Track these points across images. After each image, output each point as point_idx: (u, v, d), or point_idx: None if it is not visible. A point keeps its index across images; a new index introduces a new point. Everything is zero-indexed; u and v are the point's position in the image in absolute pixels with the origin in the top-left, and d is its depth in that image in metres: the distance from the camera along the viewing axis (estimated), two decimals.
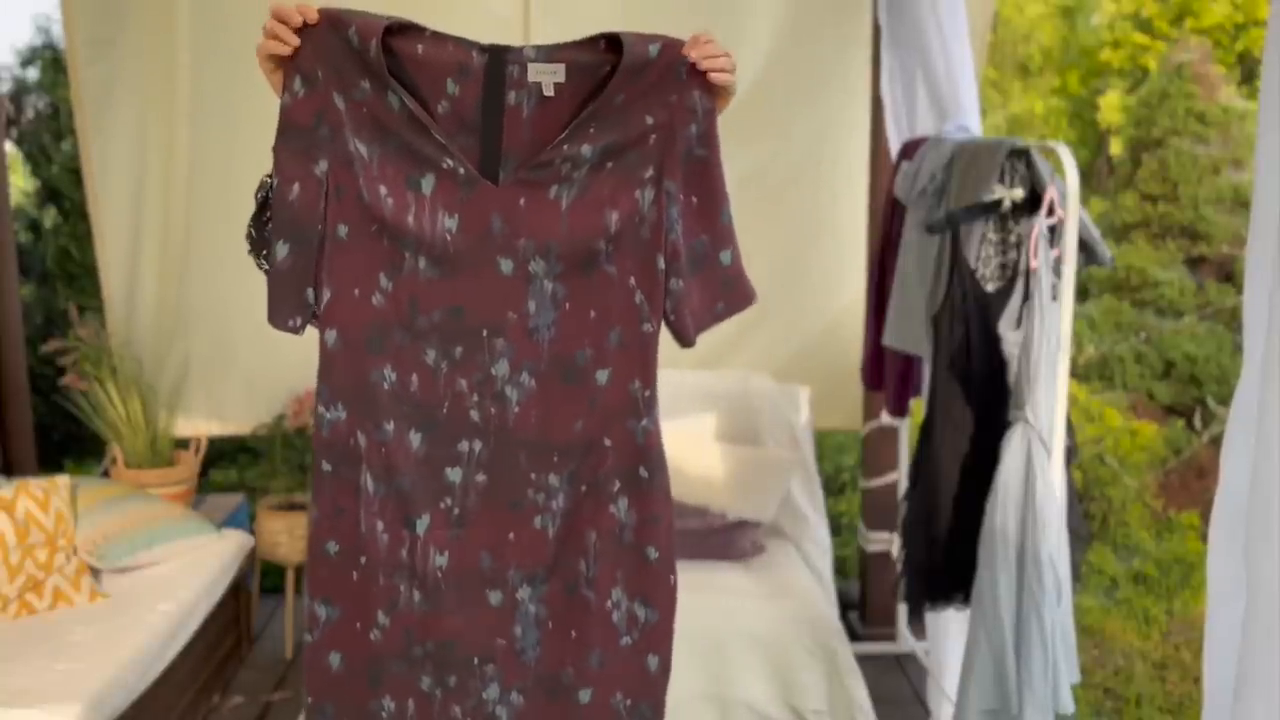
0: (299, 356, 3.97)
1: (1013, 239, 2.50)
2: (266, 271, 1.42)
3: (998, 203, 2.41)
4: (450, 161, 1.36)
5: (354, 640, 1.44)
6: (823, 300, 4.05)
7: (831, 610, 3.20)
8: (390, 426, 1.40)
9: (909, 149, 3.01)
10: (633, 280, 1.41)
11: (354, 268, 1.38)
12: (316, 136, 1.36)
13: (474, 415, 1.41)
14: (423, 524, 1.42)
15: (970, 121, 2.90)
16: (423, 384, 1.40)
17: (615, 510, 1.45)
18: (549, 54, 1.37)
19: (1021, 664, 2.23)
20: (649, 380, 1.45)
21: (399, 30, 1.35)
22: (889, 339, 2.91)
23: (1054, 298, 2.26)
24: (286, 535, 3.65)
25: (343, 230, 1.37)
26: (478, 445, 1.42)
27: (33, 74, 5.90)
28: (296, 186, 1.36)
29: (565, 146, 1.35)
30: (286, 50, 1.34)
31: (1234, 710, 1.28)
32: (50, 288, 5.52)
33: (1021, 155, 2.43)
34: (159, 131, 3.82)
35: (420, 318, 1.39)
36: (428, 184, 1.37)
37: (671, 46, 1.39)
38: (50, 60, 5.77)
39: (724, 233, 1.45)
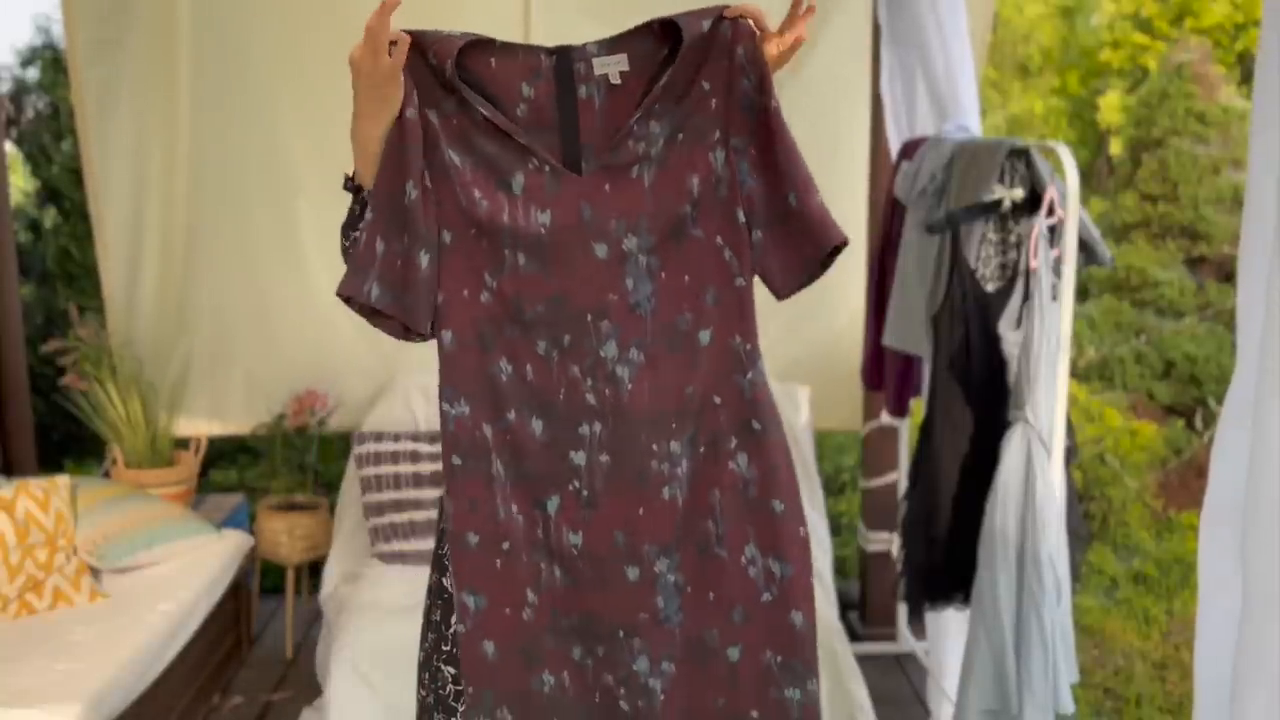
0: (299, 356, 4.00)
1: (1013, 239, 2.50)
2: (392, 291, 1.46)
3: (998, 203, 2.41)
4: (535, 161, 1.44)
5: (505, 625, 1.48)
6: (823, 300, 4.05)
7: (831, 610, 3.20)
8: (512, 415, 1.47)
9: (909, 149, 3.01)
10: (719, 239, 1.47)
11: (460, 270, 1.46)
12: (413, 153, 1.44)
13: (590, 399, 1.46)
14: (553, 505, 1.47)
15: (970, 121, 2.90)
16: (537, 373, 1.46)
17: (736, 466, 1.48)
18: (610, 46, 1.46)
19: (1021, 664, 2.23)
20: (749, 334, 1.49)
21: (471, 46, 1.44)
22: (889, 339, 2.91)
23: (1054, 298, 2.26)
24: (286, 535, 3.65)
25: (447, 236, 1.46)
26: (598, 427, 1.46)
27: (33, 74, 5.90)
28: (417, 195, 1.43)
29: (637, 128, 1.43)
30: (390, 61, 1.42)
31: (1231, 710, 1.28)
32: (50, 288, 5.52)
33: (1021, 155, 2.43)
34: (160, 132, 3.82)
35: (526, 310, 1.45)
36: (517, 184, 1.44)
37: (719, 14, 1.44)
38: (50, 60, 5.77)
39: (799, 178, 1.47)
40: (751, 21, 1.44)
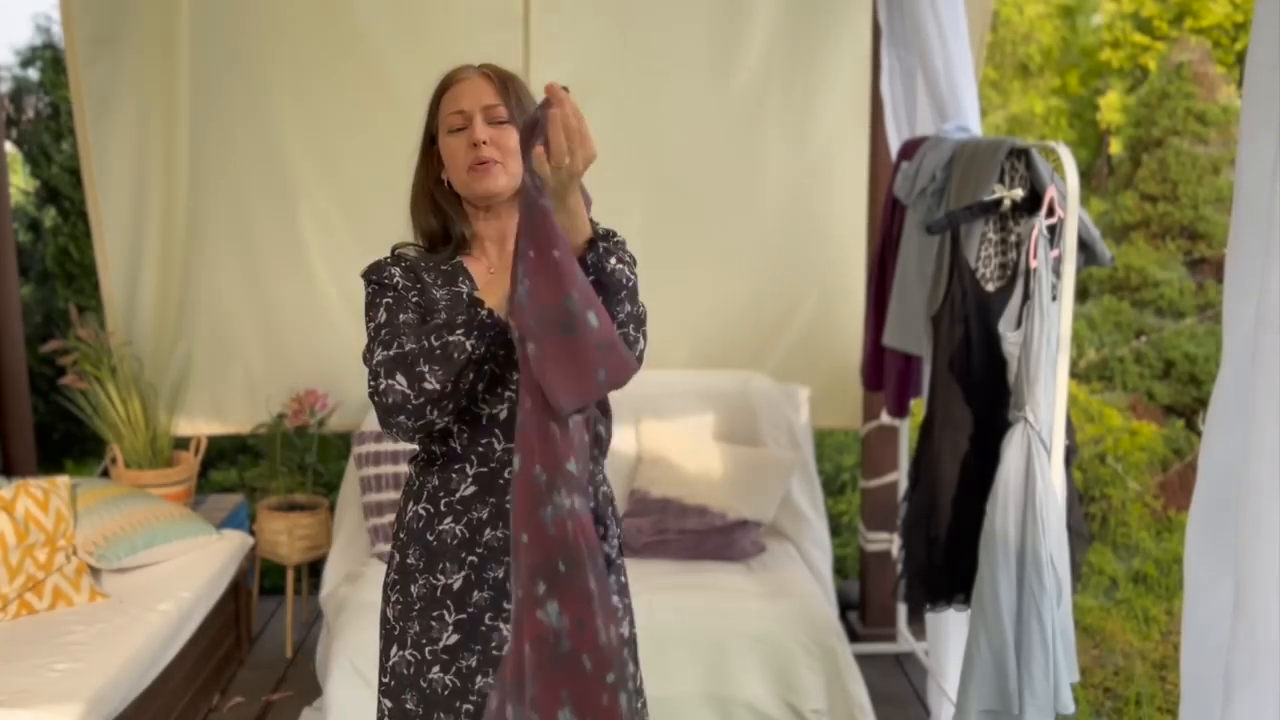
0: (299, 356, 4.00)
1: (1013, 239, 2.50)
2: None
3: (998, 202, 2.41)
4: None
5: None
6: (823, 300, 4.05)
7: (831, 610, 3.20)
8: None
9: (909, 149, 3.01)
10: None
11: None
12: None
13: None
14: None
15: (970, 121, 2.90)
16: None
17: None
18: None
19: (1022, 664, 2.23)
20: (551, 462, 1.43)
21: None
22: (889, 339, 2.91)
23: (1054, 298, 2.26)
24: (286, 535, 3.65)
25: None
26: None
27: (33, 74, 5.90)
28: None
29: None
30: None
31: (1224, 708, 1.28)
32: (50, 288, 5.52)
33: (1021, 155, 2.42)
34: (159, 131, 3.82)
35: None
36: None
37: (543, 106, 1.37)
38: (50, 60, 5.77)
39: (587, 292, 1.36)
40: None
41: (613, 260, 1.50)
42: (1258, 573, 1.22)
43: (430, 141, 1.72)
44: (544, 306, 1.33)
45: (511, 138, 1.61)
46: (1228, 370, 1.34)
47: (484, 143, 1.61)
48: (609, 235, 1.54)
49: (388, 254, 1.73)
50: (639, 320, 1.54)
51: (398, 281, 1.65)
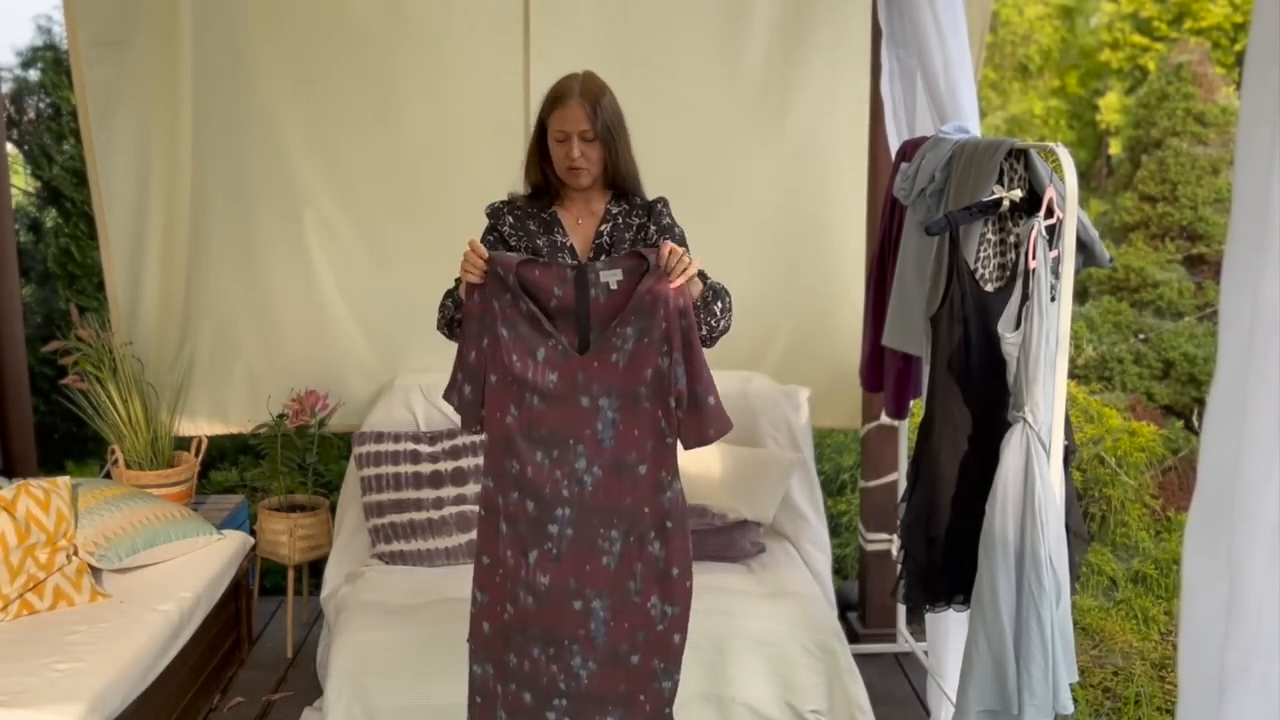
0: (300, 357, 4.00)
1: (1012, 239, 2.51)
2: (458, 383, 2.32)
3: (997, 203, 2.41)
4: (554, 340, 2.24)
5: (495, 616, 2.33)
6: (822, 300, 4.05)
7: (831, 611, 3.20)
8: (515, 496, 2.29)
9: (908, 149, 3.01)
10: (660, 412, 2.26)
11: (500, 401, 2.27)
12: (483, 323, 2.25)
13: (564, 493, 2.27)
14: (534, 556, 2.29)
15: (969, 122, 2.90)
16: (534, 473, 2.27)
17: (652, 549, 2.30)
18: (611, 264, 2.24)
19: (1021, 664, 2.23)
20: (672, 470, 2.30)
21: (524, 263, 2.23)
22: (888, 339, 2.92)
23: (1053, 298, 2.26)
24: (286, 535, 3.66)
25: (494, 379, 2.27)
26: (567, 511, 2.28)
27: (33, 75, 5.90)
28: (473, 353, 2.27)
29: (618, 328, 2.22)
30: (478, 279, 2.22)
31: (1219, 708, 1.28)
32: (50, 288, 5.52)
33: (1020, 156, 2.43)
34: (163, 133, 3.82)
35: (534, 432, 2.27)
36: (540, 354, 2.25)
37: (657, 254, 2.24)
38: (51, 61, 5.77)
39: (708, 383, 2.27)
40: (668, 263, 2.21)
41: (711, 280, 2.35)
42: (1251, 571, 1.22)
43: (542, 122, 2.35)
44: (691, 391, 2.26)
45: (596, 149, 2.31)
46: (1225, 369, 1.34)
47: (578, 157, 2.29)
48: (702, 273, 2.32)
49: (504, 197, 2.44)
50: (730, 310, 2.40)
51: (504, 229, 2.40)
